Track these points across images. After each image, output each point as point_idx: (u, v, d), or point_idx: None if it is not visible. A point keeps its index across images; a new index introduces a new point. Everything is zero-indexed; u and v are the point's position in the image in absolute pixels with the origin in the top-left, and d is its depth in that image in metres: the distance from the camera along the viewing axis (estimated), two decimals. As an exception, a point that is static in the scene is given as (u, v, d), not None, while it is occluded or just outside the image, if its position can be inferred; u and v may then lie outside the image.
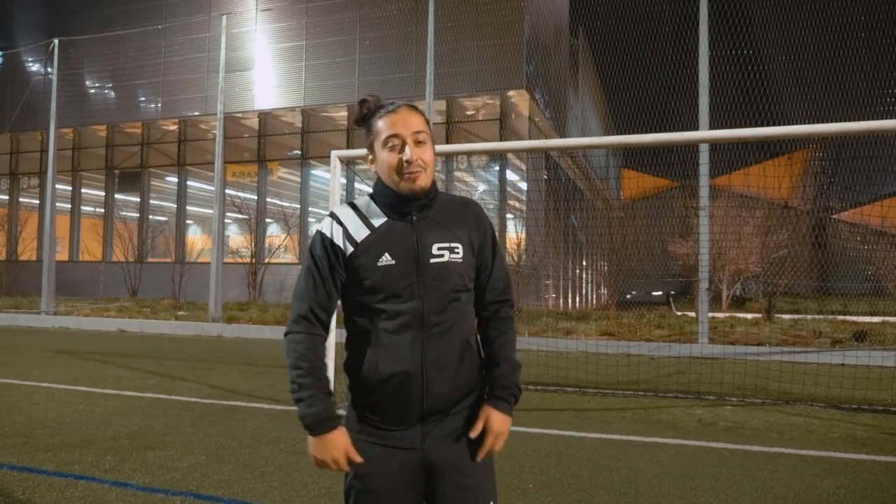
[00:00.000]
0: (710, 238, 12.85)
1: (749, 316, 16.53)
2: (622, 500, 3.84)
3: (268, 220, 24.99)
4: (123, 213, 26.23)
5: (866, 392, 7.15)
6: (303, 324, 1.76)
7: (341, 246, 1.75)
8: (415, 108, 1.80)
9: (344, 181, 11.87)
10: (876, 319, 15.17)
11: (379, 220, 1.78)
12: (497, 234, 1.92)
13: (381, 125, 1.77)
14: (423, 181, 1.76)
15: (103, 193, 26.59)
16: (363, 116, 1.83)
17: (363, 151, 8.61)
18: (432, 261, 1.73)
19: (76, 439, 4.99)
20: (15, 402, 6.39)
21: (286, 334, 1.78)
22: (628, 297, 23.22)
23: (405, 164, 1.73)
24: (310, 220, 25.07)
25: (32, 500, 3.66)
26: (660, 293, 27.58)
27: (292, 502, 3.72)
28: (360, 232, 1.76)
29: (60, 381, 7.61)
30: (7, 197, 28.02)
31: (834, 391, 7.17)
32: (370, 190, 1.87)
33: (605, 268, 20.45)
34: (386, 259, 1.72)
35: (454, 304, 1.75)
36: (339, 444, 1.71)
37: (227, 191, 22.21)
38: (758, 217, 19.51)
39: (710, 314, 12.26)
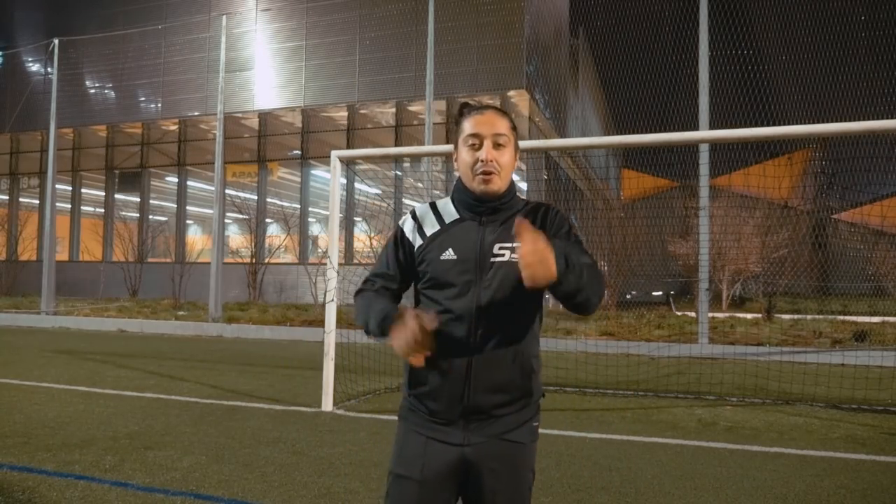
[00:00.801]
0: (710, 238, 12.85)
1: (749, 316, 16.52)
2: (622, 500, 3.84)
3: (268, 220, 24.99)
4: (123, 213, 26.24)
5: (866, 392, 7.15)
6: (367, 286, 1.92)
7: (410, 239, 1.88)
8: (502, 113, 1.85)
9: (344, 181, 11.88)
10: (876, 319, 15.16)
11: (451, 218, 1.86)
12: (572, 230, 1.83)
13: (466, 125, 1.83)
14: (496, 184, 1.79)
15: (103, 193, 26.59)
16: (460, 115, 1.89)
17: (363, 151, 8.62)
18: (493, 259, 1.76)
19: (76, 439, 4.99)
20: (15, 402, 6.39)
21: (356, 295, 1.93)
22: (628, 297, 23.18)
23: (479, 163, 1.78)
24: (310, 220, 25.07)
25: (32, 500, 3.66)
26: (660, 293, 27.54)
27: (292, 502, 3.72)
28: (432, 227, 1.86)
29: (60, 381, 7.61)
30: (7, 197, 28.02)
31: (834, 391, 7.17)
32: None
33: (605, 268, 20.42)
34: (449, 254, 1.79)
35: (512, 305, 1.75)
36: (403, 324, 1.63)
37: (227, 191, 22.21)
38: (758, 217, 19.49)
39: (710, 314, 12.26)
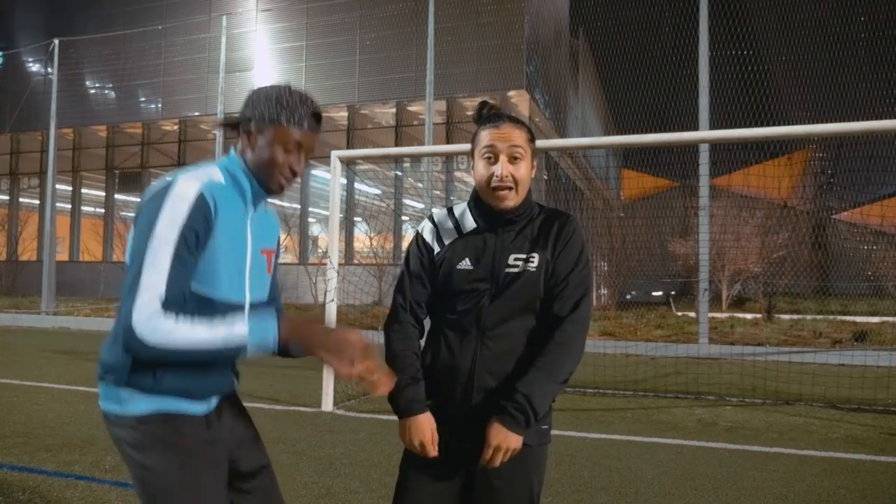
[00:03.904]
0: (710, 238, 12.85)
1: (749, 316, 16.52)
2: (622, 500, 3.84)
3: (268, 220, 24.94)
4: (124, 213, 26.23)
5: (866, 392, 7.16)
6: (399, 316, 1.90)
7: (430, 243, 1.90)
8: (519, 124, 1.85)
9: (344, 181, 11.87)
10: (876, 319, 15.17)
11: (469, 227, 1.88)
12: (585, 252, 1.85)
13: (482, 135, 1.84)
14: (512, 200, 1.80)
15: (103, 193, 26.60)
16: (479, 118, 1.89)
17: (363, 151, 8.63)
18: (507, 270, 1.79)
19: (76, 439, 4.99)
20: (15, 402, 6.39)
21: (385, 327, 1.92)
22: (628, 297, 23.19)
23: (495, 178, 1.78)
24: (310, 220, 25.06)
25: (32, 500, 3.66)
26: (660, 293, 27.55)
27: (292, 502, 3.71)
28: (450, 236, 1.89)
29: (60, 381, 7.60)
30: (7, 197, 28.01)
31: (833, 391, 7.17)
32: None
33: (605, 268, 20.43)
34: (465, 264, 1.82)
35: (523, 314, 1.79)
36: (421, 428, 1.78)
37: (228, 191, 22.16)
38: (758, 217, 19.49)
39: (710, 314, 12.25)
